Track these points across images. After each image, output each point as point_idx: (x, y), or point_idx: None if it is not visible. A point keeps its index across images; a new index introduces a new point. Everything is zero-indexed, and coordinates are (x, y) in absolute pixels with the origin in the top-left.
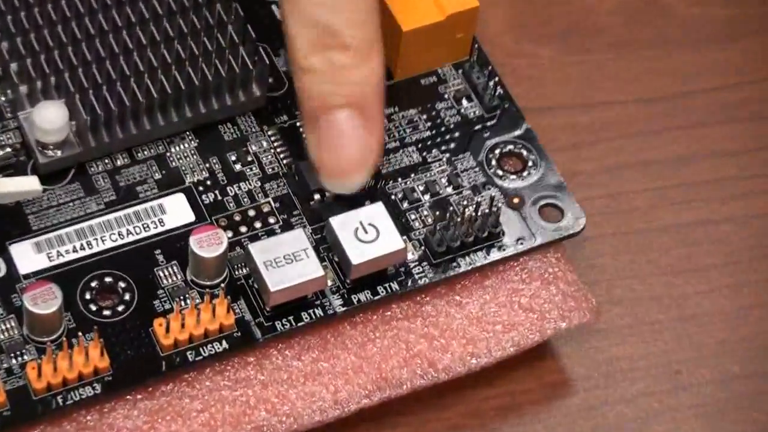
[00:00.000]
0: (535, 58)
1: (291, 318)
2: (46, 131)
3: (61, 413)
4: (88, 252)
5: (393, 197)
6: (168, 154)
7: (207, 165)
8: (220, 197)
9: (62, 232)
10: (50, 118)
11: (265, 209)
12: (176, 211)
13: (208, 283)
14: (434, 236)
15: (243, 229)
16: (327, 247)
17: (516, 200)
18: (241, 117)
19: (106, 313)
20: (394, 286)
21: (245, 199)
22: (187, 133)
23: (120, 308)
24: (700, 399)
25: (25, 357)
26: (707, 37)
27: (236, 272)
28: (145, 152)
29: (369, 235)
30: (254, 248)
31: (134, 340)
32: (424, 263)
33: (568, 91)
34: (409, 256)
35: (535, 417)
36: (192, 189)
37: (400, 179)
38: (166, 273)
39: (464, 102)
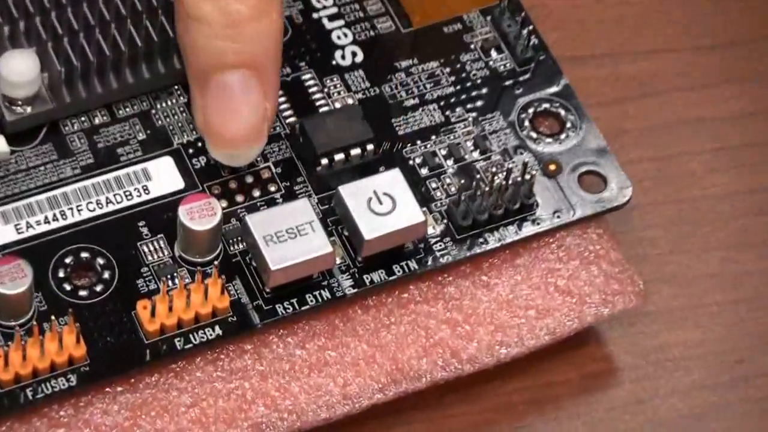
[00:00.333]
0: (575, 0)
1: (294, 301)
2: (13, 84)
3: (30, 408)
4: (61, 223)
5: (411, 163)
6: (153, 111)
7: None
8: (213, 161)
9: (32, 201)
10: (19, 70)
11: (265, 175)
12: (163, 176)
13: (200, 260)
14: (458, 208)
15: (239, 198)
16: (336, 219)
17: (552, 167)
18: None
19: (83, 293)
20: (412, 264)
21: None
22: (176, 87)
23: (98, 288)
24: (764, 392)
25: None
26: None
27: (231, 248)
28: (128, 109)
29: (384, 206)
30: (252, 220)
31: (114, 324)
32: (447, 239)
33: (613, 37)
34: (430, 231)
35: (574, 412)
36: (181, 151)
37: (419, 142)
38: (152, 248)
39: (493, 53)
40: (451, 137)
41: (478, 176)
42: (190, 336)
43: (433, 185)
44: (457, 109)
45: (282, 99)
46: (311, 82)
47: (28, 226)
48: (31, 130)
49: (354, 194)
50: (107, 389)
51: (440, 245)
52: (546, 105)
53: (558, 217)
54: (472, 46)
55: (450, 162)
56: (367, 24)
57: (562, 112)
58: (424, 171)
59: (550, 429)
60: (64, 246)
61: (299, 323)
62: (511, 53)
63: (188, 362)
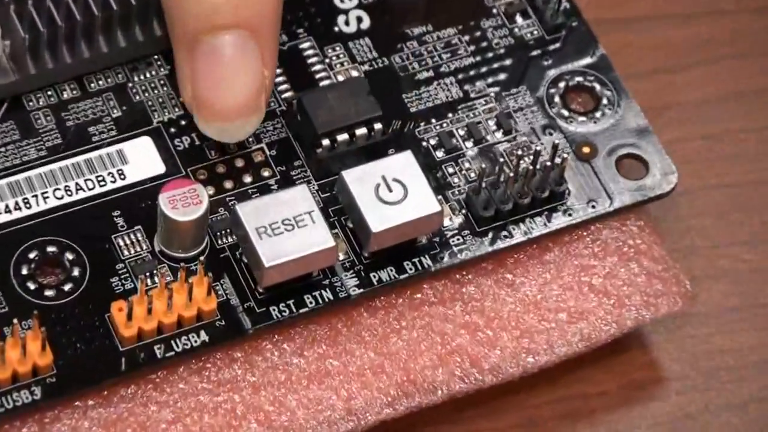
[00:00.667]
0: None
1: (291, 302)
2: None
3: None
4: (25, 213)
5: (425, 144)
6: (130, 84)
7: (181, 99)
8: (198, 142)
9: None
10: None
11: (258, 158)
12: (141, 159)
13: (183, 255)
14: (479, 196)
15: (228, 184)
16: (339, 209)
17: (586, 150)
18: None
19: (49, 293)
20: (426, 261)
21: (231, 145)
22: (156, 57)
23: (67, 287)
24: None
25: None
26: None
27: (220, 241)
28: (101, 82)
29: (394, 193)
30: (243, 210)
31: (85, 329)
32: (466, 232)
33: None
34: (446, 222)
35: (612, 427)
36: (162, 131)
37: (434, 120)
38: (128, 241)
39: (519, 19)
40: (471, 115)
41: (502, 160)
42: (172, 342)
43: (450, 170)
44: (478, 83)
45: (278, 71)
46: (310, 52)
47: None
48: None
49: (359, 180)
50: (77, 403)
51: (458, 239)
52: (579, 78)
53: (593, 206)
54: (495, 11)
55: (469, 144)
56: None
57: (597, 87)
58: (439, 154)
59: None
60: (27, 239)
61: (297, 328)
62: (539, 19)
63: (170, 372)
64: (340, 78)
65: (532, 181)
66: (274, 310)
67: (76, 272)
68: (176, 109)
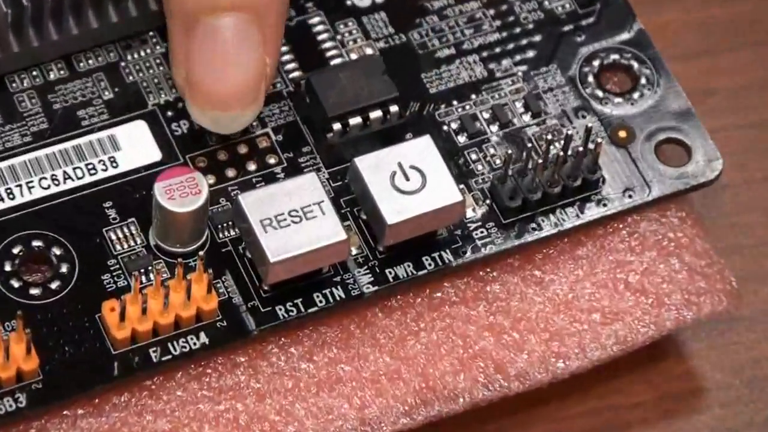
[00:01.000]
0: None
1: (299, 301)
2: None
3: None
4: (8, 204)
5: (446, 128)
6: (123, 63)
7: (172, 82)
8: (197, 127)
9: None
10: None
11: (263, 144)
12: (135, 145)
13: (181, 250)
14: (505, 185)
15: (230, 173)
16: (351, 199)
17: (622, 134)
18: None
19: (35, 292)
20: (447, 256)
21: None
22: (151, 34)
23: (54, 285)
24: None
25: None
26: None
27: (221, 235)
28: (90, 61)
29: (411, 182)
30: (246, 201)
31: (74, 331)
32: (490, 224)
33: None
34: (469, 214)
35: None
36: (157, 114)
37: (455, 102)
38: (121, 235)
39: None
40: (496, 97)
41: (530, 145)
42: (169, 345)
43: (473, 157)
44: (504, 62)
45: (285, 49)
46: (320, 28)
47: None
48: None
49: (374, 167)
50: (65, 412)
51: (482, 232)
52: (615, 56)
53: (629, 196)
54: None
55: (494, 128)
56: None
57: (635, 65)
58: (461, 139)
59: None
60: (11, 233)
61: (305, 330)
62: None
63: (166, 378)
64: (353, 56)
65: (563, 168)
66: (280, 309)
67: (64, 269)
68: (173, 91)
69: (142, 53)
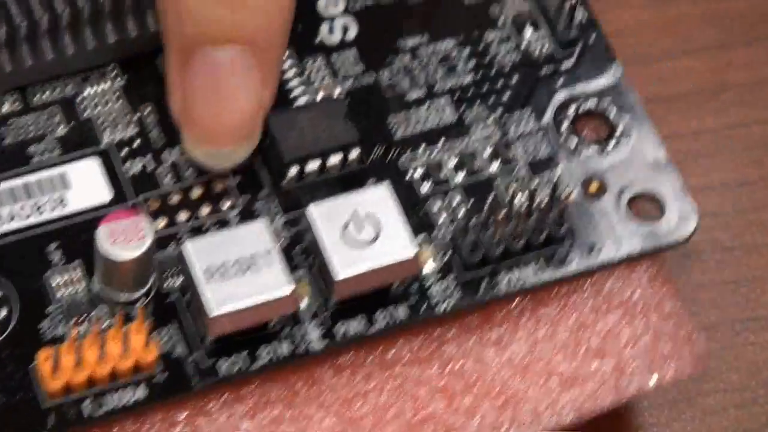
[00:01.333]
0: None
1: (243, 355)
2: None
3: None
4: None
5: (410, 175)
6: (79, 97)
7: (136, 116)
8: (152, 166)
9: None
10: None
11: (218, 187)
12: (86, 185)
13: (126, 297)
14: (465, 238)
15: (183, 216)
16: (305, 248)
17: (594, 186)
18: None
19: None
20: (401, 312)
21: (188, 171)
22: (110, 66)
23: None
24: None
25: None
26: None
27: (168, 283)
28: (46, 94)
29: (365, 233)
30: (191, 248)
31: (6, 380)
32: (449, 279)
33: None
34: (427, 268)
35: None
36: (111, 152)
37: (422, 146)
38: (64, 279)
39: (527, 31)
40: (465, 142)
41: (493, 196)
42: (105, 398)
43: (435, 206)
44: (476, 105)
45: None
46: (287, 63)
47: None
48: None
49: (326, 216)
50: None
51: (439, 287)
52: (592, 102)
53: (596, 253)
54: (501, 21)
55: (460, 176)
56: None
57: (613, 113)
58: (425, 187)
59: None
60: None
61: (249, 386)
62: (551, 32)
63: None
64: (321, 94)
65: (528, 222)
66: (223, 364)
67: (2, 314)
68: (130, 127)
69: (100, 87)
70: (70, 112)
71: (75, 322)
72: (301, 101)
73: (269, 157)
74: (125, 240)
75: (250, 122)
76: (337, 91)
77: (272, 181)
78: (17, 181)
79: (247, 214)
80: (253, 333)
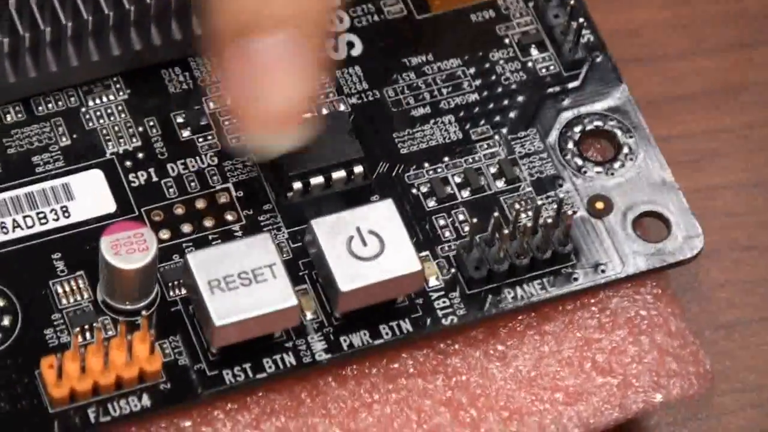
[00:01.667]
0: None
1: (247, 366)
2: None
3: None
4: None
5: (415, 191)
6: (83, 109)
7: (140, 129)
8: (156, 178)
9: None
10: None
11: (222, 199)
12: (89, 195)
13: (129, 307)
14: (470, 254)
15: (186, 228)
16: (310, 261)
17: (600, 205)
18: (195, 59)
19: None
20: (406, 325)
21: (193, 183)
22: (114, 78)
23: None
24: None
25: None
26: None
27: (172, 293)
28: (50, 105)
29: (369, 248)
30: (195, 260)
31: (11, 387)
32: (454, 294)
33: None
34: (432, 282)
35: None
36: (115, 163)
37: (427, 165)
38: (68, 289)
39: (533, 51)
40: (470, 160)
41: (497, 214)
42: (109, 406)
43: (441, 222)
44: (481, 123)
45: None
46: None
47: None
48: None
49: (331, 231)
50: None
51: (444, 302)
52: (598, 123)
53: (602, 271)
54: (507, 41)
55: (465, 193)
56: (370, 6)
57: (619, 133)
58: (430, 203)
59: None
60: None
61: (254, 396)
62: (557, 52)
63: None
64: (324, 111)
65: (533, 239)
66: (228, 374)
67: (6, 321)
68: (134, 140)
69: (104, 99)
70: (74, 124)
71: (79, 330)
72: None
73: (274, 171)
74: (128, 251)
75: (293, 109)
76: (342, 108)
77: (276, 195)
78: (20, 191)
79: (251, 228)
80: (257, 343)
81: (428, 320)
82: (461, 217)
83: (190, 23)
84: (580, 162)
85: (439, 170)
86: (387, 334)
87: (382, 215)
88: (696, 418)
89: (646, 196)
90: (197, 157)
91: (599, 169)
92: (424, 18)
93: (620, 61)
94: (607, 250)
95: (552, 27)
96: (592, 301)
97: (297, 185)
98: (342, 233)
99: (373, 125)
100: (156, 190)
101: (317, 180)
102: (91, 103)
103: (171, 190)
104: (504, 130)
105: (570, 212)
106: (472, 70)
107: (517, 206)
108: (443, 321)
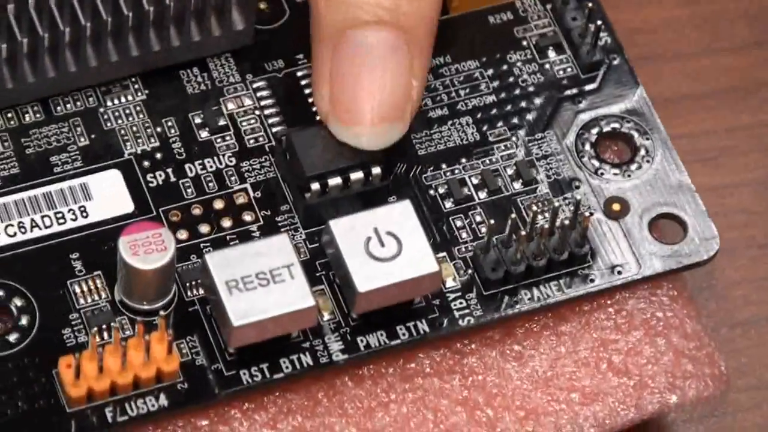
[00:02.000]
0: None
1: (264, 366)
2: None
3: None
4: None
5: (432, 193)
6: (101, 109)
7: (158, 129)
8: (173, 178)
9: None
10: None
11: (240, 200)
12: (107, 195)
13: (146, 307)
14: (487, 255)
15: (204, 228)
16: (327, 262)
17: (617, 207)
18: (213, 59)
19: None
20: (423, 326)
21: (211, 184)
22: (132, 79)
23: (12, 338)
24: None
25: None
26: None
27: (189, 293)
28: (68, 105)
29: (386, 249)
30: (213, 260)
31: (29, 386)
32: (470, 295)
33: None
34: (449, 283)
35: None
36: (133, 164)
37: (444, 166)
38: (85, 288)
39: (551, 53)
40: (487, 161)
41: (513, 215)
42: (127, 406)
43: (458, 223)
44: (499, 125)
45: (270, 102)
46: (310, 81)
47: None
48: None
49: (348, 231)
50: None
51: (461, 303)
52: (615, 124)
53: (618, 272)
54: (525, 43)
55: (483, 194)
56: None
57: (636, 135)
58: (447, 204)
59: None
60: None
61: (270, 395)
62: (575, 54)
63: None
64: None
65: (550, 240)
66: (245, 374)
67: (24, 320)
68: (152, 140)
69: (122, 99)
70: (92, 124)
71: (97, 330)
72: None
73: (291, 171)
74: (146, 251)
75: (398, 105)
76: None
77: (293, 196)
78: (38, 191)
79: (268, 229)
80: (274, 344)
81: (445, 321)
82: (478, 219)
83: (209, 24)
84: (597, 164)
85: (456, 171)
86: (404, 334)
87: (399, 216)
88: (712, 415)
89: (663, 198)
90: (215, 158)
91: (616, 171)
92: (442, 19)
93: (637, 59)
94: (623, 252)
95: (570, 29)
96: (609, 302)
97: (315, 186)
98: (360, 234)
99: None
100: (174, 191)
101: (335, 181)
102: (109, 104)
103: (189, 190)
104: (521, 132)
105: (587, 214)
106: (489, 72)
107: (534, 208)
108: (460, 322)
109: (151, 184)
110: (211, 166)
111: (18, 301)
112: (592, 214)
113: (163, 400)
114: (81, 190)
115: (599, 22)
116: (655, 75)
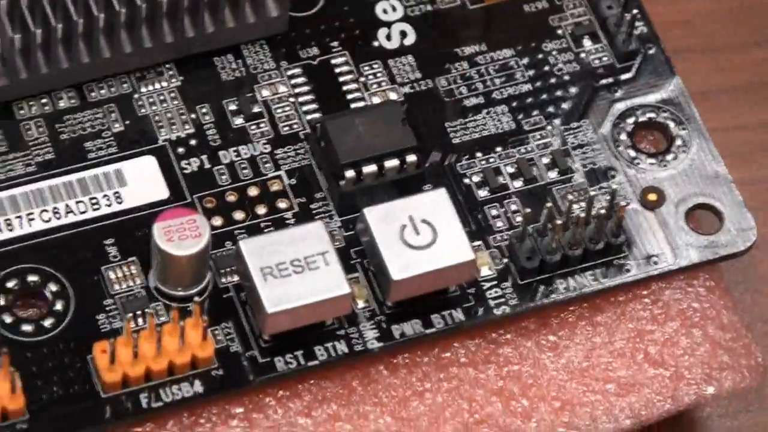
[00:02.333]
0: None
1: (299, 353)
2: None
3: None
4: (6, 236)
5: (467, 181)
6: (136, 95)
7: (193, 116)
8: (208, 165)
9: None
10: None
11: (275, 187)
12: (142, 182)
13: (181, 293)
14: (523, 244)
15: (239, 215)
16: (362, 250)
17: (653, 197)
18: (248, 46)
19: (27, 328)
20: (458, 315)
21: (245, 171)
22: (167, 65)
23: (47, 323)
24: None
25: None
26: None
27: (224, 279)
28: (102, 91)
29: (422, 237)
30: (247, 247)
31: (64, 371)
32: (506, 284)
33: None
34: (484, 272)
35: None
36: (168, 150)
37: (479, 154)
38: (120, 275)
39: (586, 42)
40: (523, 150)
41: (549, 204)
42: (161, 392)
43: (493, 212)
44: (534, 114)
45: (305, 89)
46: (344, 69)
47: None
48: None
49: (383, 219)
50: None
51: (496, 292)
52: (651, 114)
53: (654, 263)
54: (560, 32)
55: (518, 183)
56: None
57: (672, 125)
58: (482, 193)
59: None
60: (7, 266)
61: (305, 383)
62: (610, 43)
63: (158, 425)
64: (376, 100)
65: (586, 230)
66: (279, 361)
67: (59, 306)
68: (186, 127)
69: (156, 85)
70: (126, 110)
71: (131, 316)
72: (356, 106)
73: (326, 159)
74: (181, 237)
75: None
76: (394, 97)
77: (328, 183)
78: (72, 176)
79: (303, 216)
80: (309, 331)
81: (480, 310)
82: (513, 207)
83: (244, 11)
84: (633, 153)
85: (491, 160)
86: (439, 323)
87: (434, 204)
88: (747, 410)
89: (699, 189)
90: (250, 145)
91: (652, 160)
92: (477, 8)
93: (673, 51)
94: (659, 242)
95: (605, 18)
96: (645, 292)
97: (350, 173)
98: (394, 222)
99: (426, 115)
100: (208, 177)
101: (370, 168)
102: (143, 90)
103: (223, 177)
104: (557, 121)
105: (623, 203)
106: (525, 61)
107: (569, 197)
108: (495, 311)
109: (185, 171)
110: (245, 153)
111: (53, 287)
112: (627, 203)
113: (198, 387)
114: (115, 176)
115: (635, 11)
116: (691, 68)
